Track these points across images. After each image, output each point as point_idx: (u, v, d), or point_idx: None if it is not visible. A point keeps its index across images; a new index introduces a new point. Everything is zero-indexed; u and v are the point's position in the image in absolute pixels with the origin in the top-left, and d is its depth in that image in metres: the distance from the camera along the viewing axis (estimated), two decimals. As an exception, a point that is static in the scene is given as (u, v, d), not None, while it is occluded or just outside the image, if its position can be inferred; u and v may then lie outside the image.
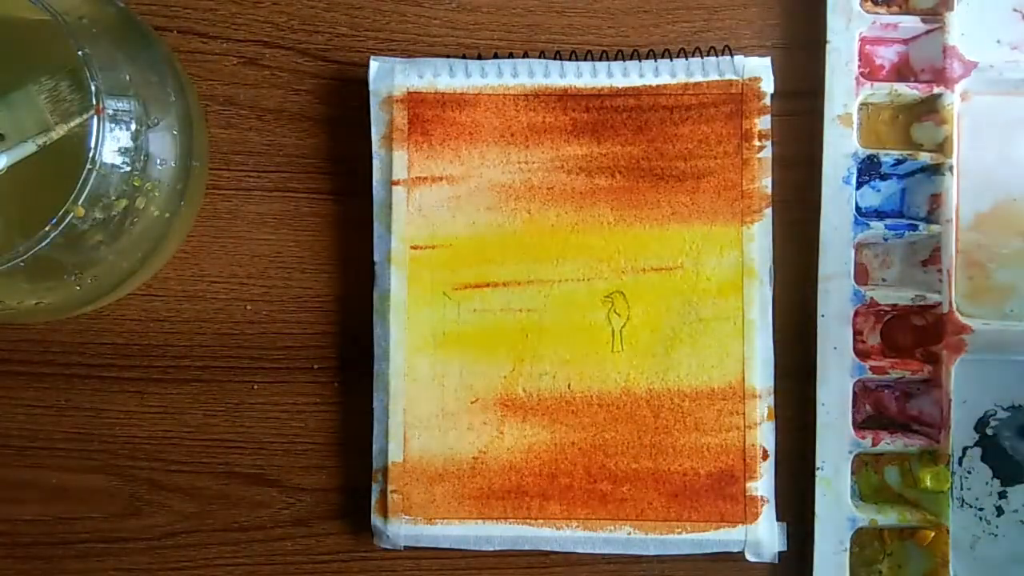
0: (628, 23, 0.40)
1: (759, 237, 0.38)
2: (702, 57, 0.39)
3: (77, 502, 0.40)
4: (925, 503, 0.39)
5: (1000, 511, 0.39)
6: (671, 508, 0.38)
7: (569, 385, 0.38)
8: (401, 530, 0.38)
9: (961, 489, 0.39)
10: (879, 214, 0.40)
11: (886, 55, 0.40)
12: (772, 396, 0.38)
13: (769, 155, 0.38)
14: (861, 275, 0.39)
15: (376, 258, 0.39)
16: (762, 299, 0.38)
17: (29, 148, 0.32)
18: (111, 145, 0.31)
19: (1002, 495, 0.39)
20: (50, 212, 0.30)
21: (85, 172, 0.30)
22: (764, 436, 0.38)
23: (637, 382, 0.38)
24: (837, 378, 0.38)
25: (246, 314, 0.40)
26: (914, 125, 0.40)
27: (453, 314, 0.38)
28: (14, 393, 0.40)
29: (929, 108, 0.39)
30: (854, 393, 0.38)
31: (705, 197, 0.38)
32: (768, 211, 0.38)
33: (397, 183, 0.38)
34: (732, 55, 0.39)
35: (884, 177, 0.40)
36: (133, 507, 0.40)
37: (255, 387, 0.40)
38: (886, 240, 0.39)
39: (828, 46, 0.39)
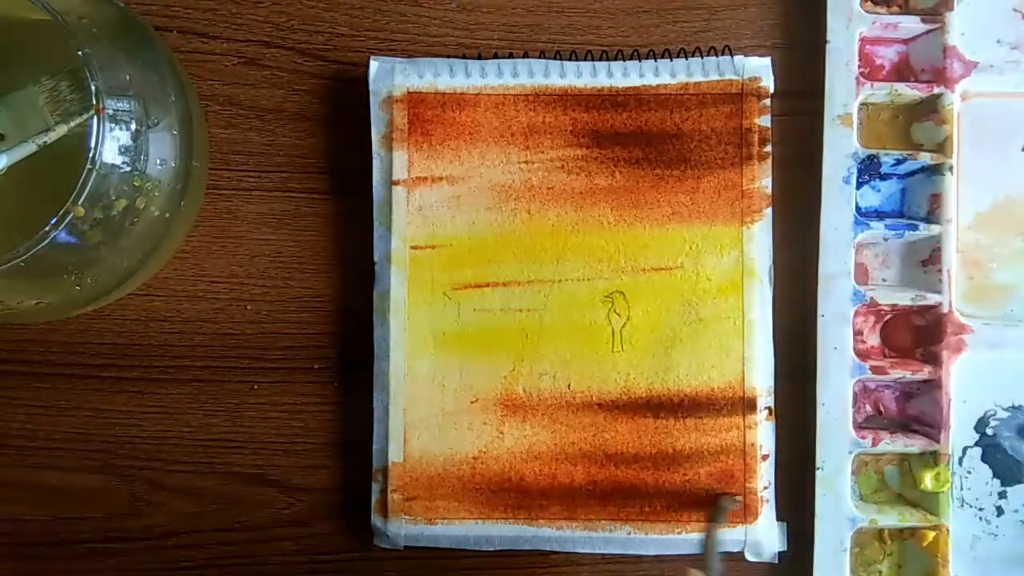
0: (628, 23, 0.40)
1: (759, 237, 0.38)
2: (702, 57, 0.39)
3: (77, 502, 0.40)
4: (925, 503, 0.38)
5: (1000, 511, 0.39)
6: (671, 508, 0.38)
7: (569, 385, 0.38)
8: (401, 530, 0.38)
9: (961, 489, 0.39)
10: (879, 214, 0.40)
11: (886, 55, 0.40)
12: (772, 396, 0.38)
13: (769, 155, 0.38)
14: (861, 275, 0.39)
15: (376, 258, 0.39)
16: (762, 299, 0.38)
17: (29, 148, 0.32)
18: (111, 145, 0.31)
19: (1002, 495, 0.39)
20: (50, 212, 0.30)
21: (85, 172, 0.30)
22: (764, 436, 0.38)
23: (637, 382, 0.38)
24: (837, 378, 0.38)
25: (246, 314, 0.40)
26: (914, 125, 0.40)
27: (453, 314, 0.38)
28: (14, 393, 0.40)
29: (929, 108, 0.39)
30: (854, 393, 0.38)
31: (705, 197, 0.38)
32: (768, 211, 0.38)
33: (397, 183, 0.38)
34: (732, 55, 0.39)
35: (884, 177, 0.40)
36: (133, 507, 0.40)
37: (255, 387, 0.40)
38: (886, 240, 0.39)
39: (828, 46, 0.39)
